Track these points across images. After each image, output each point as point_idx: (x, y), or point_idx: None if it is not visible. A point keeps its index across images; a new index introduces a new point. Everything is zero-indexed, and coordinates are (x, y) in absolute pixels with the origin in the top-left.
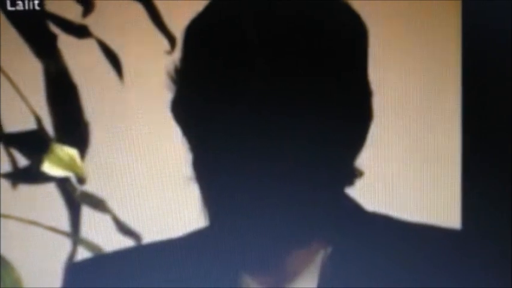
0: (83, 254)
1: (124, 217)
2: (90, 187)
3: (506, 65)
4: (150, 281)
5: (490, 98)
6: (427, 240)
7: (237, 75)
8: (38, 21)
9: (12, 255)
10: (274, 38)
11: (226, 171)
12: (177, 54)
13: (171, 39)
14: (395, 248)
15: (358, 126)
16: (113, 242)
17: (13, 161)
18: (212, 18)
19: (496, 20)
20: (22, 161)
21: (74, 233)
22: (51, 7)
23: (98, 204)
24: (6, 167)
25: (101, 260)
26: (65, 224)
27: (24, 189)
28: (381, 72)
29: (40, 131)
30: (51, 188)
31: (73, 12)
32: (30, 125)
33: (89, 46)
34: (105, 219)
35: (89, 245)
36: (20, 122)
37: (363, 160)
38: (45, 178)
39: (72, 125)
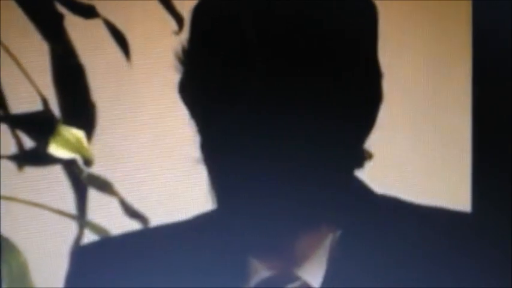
0: (89, 237)
1: (131, 200)
2: (96, 169)
3: None
4: (156, 264)
5: (501, 80)
6: (436, 223)
7: (245, 56)
8: (44, 1)
9: (18, 238)
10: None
11: (234, 153)
12: (185, 34)
13: (179, 20)
14: (405, 231)
15: (368, 108)
16: (120, 224)
17: (19, 143)
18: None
19: (506, 1)
20: (28, 143)
21: (81, 216)
22: None
23: (105, 186)
24: (13, 149)
25: (108, 243)
26: (71, 206)
27: (31, 171)
28: (391, 54)
29: (46, 112)
30: (57, 170)
31: None
32: (37, 106)
33: (95, 26)
34: (112, 202)
35: (96, 228)
36: (26, 103)
37: (372, 142)
38: (52, 160)
39: (78, 106)
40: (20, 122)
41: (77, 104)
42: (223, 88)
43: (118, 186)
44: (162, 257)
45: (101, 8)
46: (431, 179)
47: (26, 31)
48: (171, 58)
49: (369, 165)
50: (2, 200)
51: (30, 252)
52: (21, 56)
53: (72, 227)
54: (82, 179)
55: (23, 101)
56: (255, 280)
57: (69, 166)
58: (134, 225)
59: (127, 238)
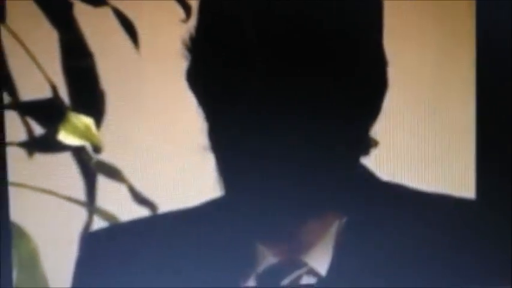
0: (98, 223)
1: (140, 186)
2: (105, 156)
3: None
4: (165, 250)
5: (505, 68)
6: (441, 210)
7: (252, 43)
8: None
9: (28, 225)
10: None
11: (242, 140)
12: (192, 22)
13: (187, 8)
14: (410, 218)
15: (373, 96)
16: (129, 211)
17: (29, 130)
18: None
19: None
20: (38, 130)
21: (90, 203)
22: None
23: (114, 173)
24: (22, 136)
25: (117, 230)
26: (80, 193)
27: (40, 158)
28: (396, 43)
29: (56, 99)
30: (66, 157)
31: None
32: (46, 93)
33: (104, 14)
34: (121, 189)
35: (105, 215)
36: (35, 91)
37: (377, 130)
38: (61, 147)
39: (87, 94)
40: (29, 109)
41: (86, 92)
42: (229, 75)
43: (127, 173)
44: (170, 244)
45: None
46: (435, 166)
47: (35, 19)
48: (179, 46)
49: (374, 153)
50: (11, 187)
51: (40, 238)
52: (30, 44)
53: (82, 213)
54: (91, 166)
55: (33, 89)
56: (262, 266)
57: (79, 153)
58: (143, 212)
59: (136, 224)
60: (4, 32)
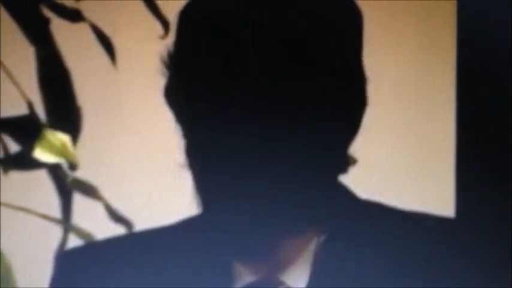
0: (74, 241)
1: (116, 204)
2: (82, 174)
3: (502, 51)
4: (142, 268)
5: (485, 87)
6: (420, 228)
7: (231, 60)
8: (30, 5)
9: (3, 242)
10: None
11: (219, 158)
12: (171, 38)
13: (165, 24)
14: (389, 236)
15: (353, 113)
16: (105, 229)
17: (4, 147)
18: (206, 5)
19: (492, 7)
20: (13, 147)
21: (65, 221)
22: None
23: (90, 191)
24: None
25: (93, 248)
26: (56, 211)
27: (16, 175)
28: (376, 58)
29: (32, 116)
30: (42, 175)
31: None
32: (22, 110)
33: (82, 30)
34: (97, 207)
35: (81, 233)
36: (11, 107)
37: (356, 147)
38: (37, 164)
39: (64, 110)
40: (5, 126)
41: (63, 108)
42: (208, 92)
43: (103, 190)
44: (147, 262)
45: (87, 12)
46: (415, 184)
47: (11, 34)
48: (157, 62)
49: (352, 170)
50: None
51: (14, 256)
52: (6, 60)
53: (57, 231)
54: (67, 184)
55: (8, 105)
56: (239, 284)
57: (54, 170)
58: (119, 230)
59: (112, 243)
60: None
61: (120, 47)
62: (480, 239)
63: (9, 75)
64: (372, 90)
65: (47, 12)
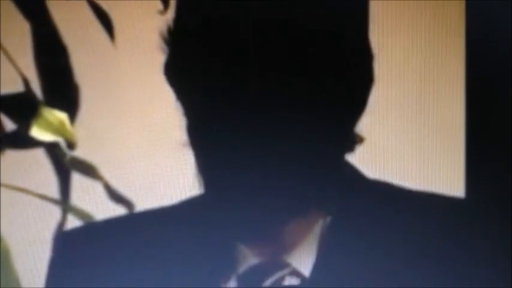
0: (73, 222)
1: (116, 184)
2: (80, 153)
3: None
4: (142, 250)
5: (494, 64)
6: (429, 208)
7: (232, 36)
8: None
9: (0, 224)
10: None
11: (221, 136)
12: (171, 14)
13: None
14: (397, 217)
15: (359, 90)
16: (105, 209)
17: (0, 126)
18: None
19: None
20: (9, 126)
21: (64, 201)
22: None
23: (89, 170)
24: None
25: (92, 229)
26: (54, 191)
27: (12, 154)
28: (382, 36)
29: (28, 93)
30: (39, 154)
31: None
32: (18, 87)
33: (79, 6)
34: (96, 186)
35: (80, 213)
36: (7, 85)
37: (363, 126)
38: (34, 143)
39: (61, 88)
40: (0, 104)
41: (60, 86)
42: (209, 68)
43: (102, 170)
44: (147, 243)
45: None
46: (424, 163)
47: (7, 11)
48: (156, 39)
49: (360, 150)
50: None
51: (12, 237)
52: (2, 37)
53: (55, 212)
54: (65, 163)
55: (4, 83)
56: (243, 267)
57: (52, 149)
58: (119, 210)
59: (112, 223)
60: None
61: (118, 23)
62: (490, 219)
63: (5, 52)
64: (379, 68)
65: None
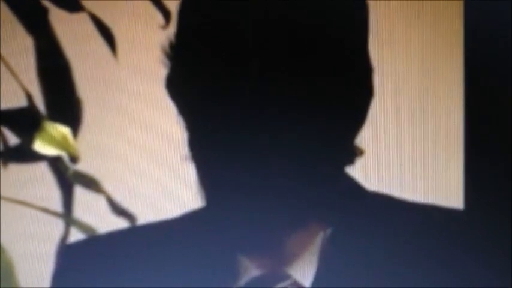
0: (76, 235)
1: (118, 197)
2: (83, 166)
3: (510, 41)
4: (144, 262)
5: (493, 77)
6: (429, 220)
7: (234, 51)
8: None
9: (3, 237)
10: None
11: (223, 150)
12: (172, 28)
13: (166, 13)
14: (397, 229)
15: (358, 103)
16: (107, 223)
17: (3, 140)
18: None
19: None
20: (13, 140)
21: (67, 214)
22: None
23: (91, 184)
24: None
25: (95, 242)
26: (57, 204)
27: (15, 168)
28: (382, 49)
29: (31, 108)
30: (42, 168)
31: None
32: (21, 102)
33: (81, 21)
34: (99, 200)
35: (82, 226)
36: (10, 99)
37: (363, 139)
38: (37, 157)
39: (64, 102)
40: (4, 118)
41: (63, 100)
42: (211, 83)
43: (105, 183)
44: (150, 256)
45: (86, 1)
46: (422, 175)
47: (10, 25)
48: (158, 53)
49: (360, 162)
50: None
51: (15, 251)
52: (5, 51)
53: (58, 225)
54: (68, 177)
55: (7, 97)
56: (244, 279)
57: (55, 163)
58: (121, 224)
59: (114, 236)
60: None
61: (120, 37)
62: (489, 231)
63: (8, 67)
64: (379, 81)
65: (45, 2)
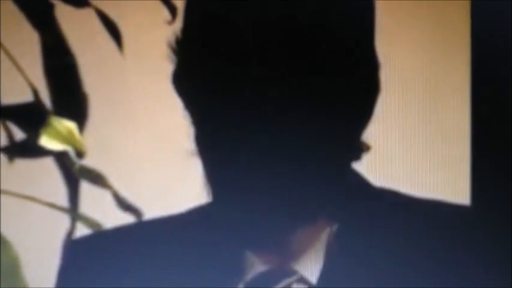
0: (82, 230)
1: (124, 192)
2: (89, 161)
3: None
4: (150, 258)
5: (500, 73)
6: (435, 216)
7: (240, 45)
8: None
9: (9, 232)
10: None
11: (229, 145)
12: (178, 24)
13: (172, 9)
14: (403, 225)
15: (365, 99)
16: (113, 218)
17: (10, 135)
18: None
19: None
20: (19, 135)
21: (73, 209)
22: None
23: (98, 179)
24: (3, 141)
25: (101, 237)
26: (63, 199)
27: (21, 163)
28: (388, 45)
29: (37, 103)
30: (48, 163)
31: None
32: (27, 97)
33: (87, 16)
34: (105, 195)
35: (88, 222)
36: (16, 95)
37: (369, 135)
38: (43, 152)
39: (70, 97)
40: (10, 114)
41: (69, 95)
42: (218, 78)
43: (111, 178)
44: (156, 251)
45: None
46: (429, 171)
47: (16, 21)
48: (164, 48)
49: (366, 158)
50: None
51: (21, 246)
52: (11, 47)
53: (64, 220)
54: (74, 172)
55: (13, 92)
56: (250, 274)
57: (61, 158)
58: (128, 219)
59: (120, 232)
60: None
61: (126, 32)
62: (495, 227)
63: (14, 62)
64: (385, 77)
65: None
